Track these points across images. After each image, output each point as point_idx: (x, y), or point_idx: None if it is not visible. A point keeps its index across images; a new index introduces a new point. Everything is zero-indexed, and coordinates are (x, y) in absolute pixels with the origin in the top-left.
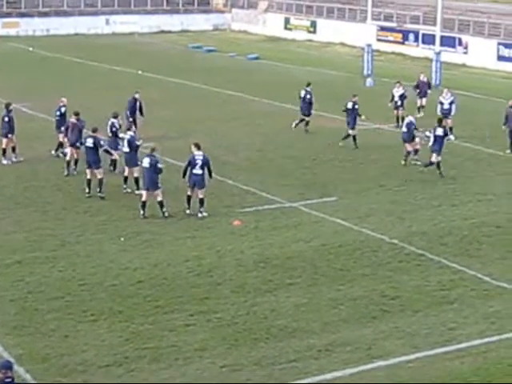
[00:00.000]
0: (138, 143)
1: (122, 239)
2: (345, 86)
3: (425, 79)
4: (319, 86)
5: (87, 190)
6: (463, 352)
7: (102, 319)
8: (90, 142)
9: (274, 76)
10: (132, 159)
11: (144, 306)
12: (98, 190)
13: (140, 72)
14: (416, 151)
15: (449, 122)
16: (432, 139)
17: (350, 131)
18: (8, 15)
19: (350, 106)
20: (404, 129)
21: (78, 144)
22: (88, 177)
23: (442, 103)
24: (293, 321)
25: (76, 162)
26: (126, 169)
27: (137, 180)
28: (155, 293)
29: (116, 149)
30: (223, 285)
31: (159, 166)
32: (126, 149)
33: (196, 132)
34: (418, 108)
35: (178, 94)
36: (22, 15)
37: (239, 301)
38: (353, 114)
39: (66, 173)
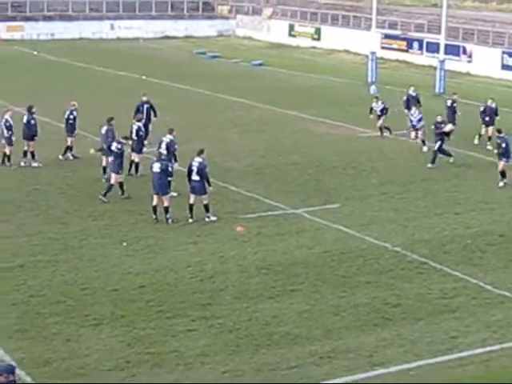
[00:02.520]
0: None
1: (125, 244)
2: (349, 93)
3: (493, 105)
4: (323, 92)
5: (120, 192)
6: (465, 360)
7: (104, 323)
8: (114, 147)
9: (277, 82)
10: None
11: (146, 310)
12: (121, 193)
13: (144, 77)
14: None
15: (419, 133)
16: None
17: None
18: (13, 19)
19: (449, 103)
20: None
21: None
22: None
23: (411, 120)
24: (295, 327)
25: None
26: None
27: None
28: (157, 298)
29: (140, 152)
30: (225, 291)
31: (170, 169)
32: (164, 151)
33: (199, 138)
34: (479, 135)
35: (181, 100)
36: (27, 19)
37: (241, 307)
38: (451, 111)
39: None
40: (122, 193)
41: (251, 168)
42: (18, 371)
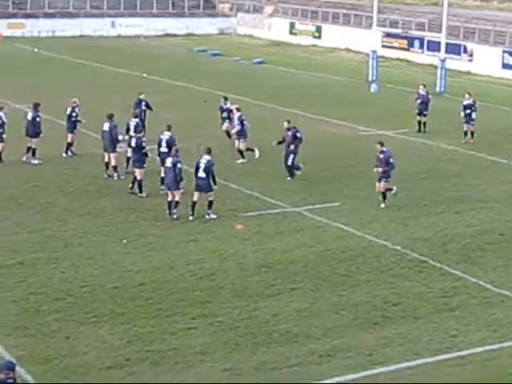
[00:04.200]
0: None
1: (125, 241)
2: (349, 92)
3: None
4: (323, 91)
5: (130, 186)
6: (464, 359)
7: (103, 321)
8: (133, 142)
9: (278, 80)
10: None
11: (146, 308)
12: (138, 190)
13: (145, 75)
14: None
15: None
16: None
17: None
18: (13, 16)
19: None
20: None
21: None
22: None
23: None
24: (294, 326)
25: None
26: (163, 169)
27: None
28: (157, 295)
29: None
30: (225, 288)
31: (179, 166)
32: (165, 149)
33: (200, 135)
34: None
35: (182, 98)
36: (28, 16)
37: (241, 305)
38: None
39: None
40: (132, 188)
41: (251, 166)
42: (17, 368)
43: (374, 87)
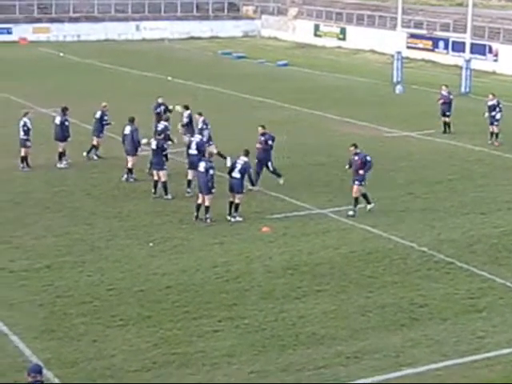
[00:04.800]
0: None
1: (151, 244)
2: (374, 93)
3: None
4: (348, 92)
5: (153, 191)
6: (492, 361)
7: (130, 324)
8: (153, 144)
9: (303, 83)
10: (197, 162)
11: (172, 311)
12: (164, 192)
13: (170, 78)
14: None
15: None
16: None
17: None
18: (39, 21)
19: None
20: None
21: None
22: (155, 178)
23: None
24: (321, 328)
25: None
26: (190, 172)
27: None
28: (183, 298)
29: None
30: (251, 291)
31: (211, 172)
32: (194, 151)
33: (224, 138)
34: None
35: (206, 100)
36: (53, 21)
37: (267, 307)
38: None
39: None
40: (155, 192)
41: (277, 168)
42: (44, 371)
43: (398, 88)
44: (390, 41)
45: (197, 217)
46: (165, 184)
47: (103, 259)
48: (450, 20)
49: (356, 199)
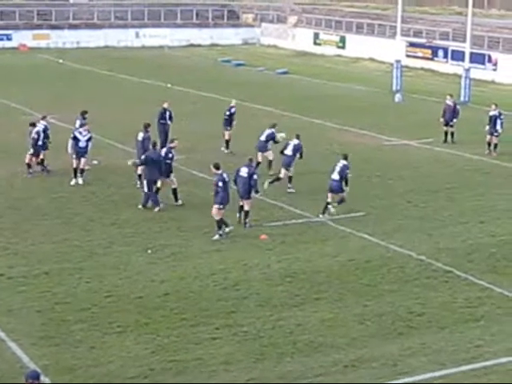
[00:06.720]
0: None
1: (149, 251)
2: (373, 102)
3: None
4: (347, 101)
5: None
6: (490, 369)
7: (128, 331)
8: (162, 152)
9: (302, 91)
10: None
11: (170, 318)
12: (174, 199)
13: (169, 85)
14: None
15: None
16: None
17: None
18: (38, 27)
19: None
20: None
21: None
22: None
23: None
24: (319, 336)
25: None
26: (283, 171)
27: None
28: (181, 305)
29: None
30: (249, 299)
31: (255, 177)
32: (290, 152)
33: (223, 144)
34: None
35: (206, 108)
36: (53, 27)
37: (265, 315)
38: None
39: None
40: (176, 199)
41: (275, 176)
42: (42, 378)
43: (398, 97)
44: (390, 49)
45: (240, 220)
46: (175, 190)
47: (101, 266)
48: (450, 29)
49: (327, 204)
